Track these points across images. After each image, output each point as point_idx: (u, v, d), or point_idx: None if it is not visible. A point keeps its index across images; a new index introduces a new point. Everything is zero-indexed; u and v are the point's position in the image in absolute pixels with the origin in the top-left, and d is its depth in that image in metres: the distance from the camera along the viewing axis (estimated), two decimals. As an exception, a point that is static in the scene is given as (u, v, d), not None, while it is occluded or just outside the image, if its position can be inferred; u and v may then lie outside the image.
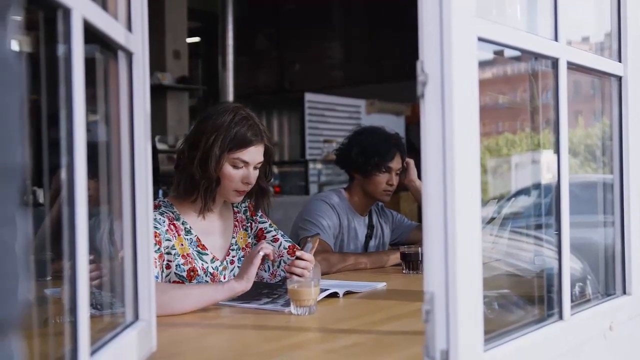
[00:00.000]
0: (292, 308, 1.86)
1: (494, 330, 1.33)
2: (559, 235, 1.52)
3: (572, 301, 1.54)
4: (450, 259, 1.16)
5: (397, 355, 1.46)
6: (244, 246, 2.35)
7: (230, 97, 8.57)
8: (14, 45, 0.54)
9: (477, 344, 1.21)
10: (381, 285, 2.33)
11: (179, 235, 2.17)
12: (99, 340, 1.17)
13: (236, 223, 2.35)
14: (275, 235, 2.37)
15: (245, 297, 2.02)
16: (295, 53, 9.91)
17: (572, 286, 1.60)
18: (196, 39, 10.10)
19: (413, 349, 1.45)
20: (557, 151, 1.52)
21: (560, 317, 1.51)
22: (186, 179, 2.18)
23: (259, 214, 2.40)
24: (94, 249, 1.13)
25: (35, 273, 1.26)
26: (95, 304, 1.32)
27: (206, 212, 2.24)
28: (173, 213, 2.20)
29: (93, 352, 1.08)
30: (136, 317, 1.36)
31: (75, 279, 1.00)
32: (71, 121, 1.00)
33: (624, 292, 1.80)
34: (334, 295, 2.09)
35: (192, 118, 7.75)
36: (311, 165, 7.21)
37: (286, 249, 2.33)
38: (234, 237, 2.33)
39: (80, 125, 1.01)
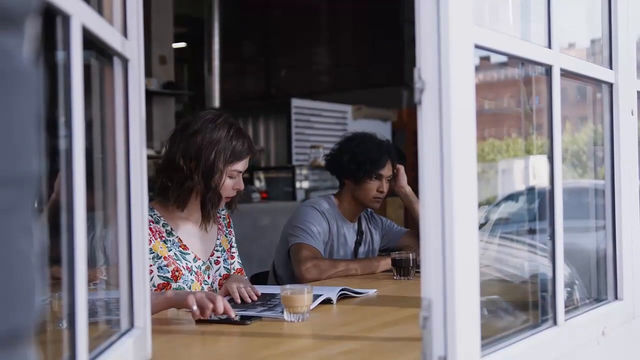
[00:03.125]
0: (285, 315, 1.85)
1: (490, 336, 1.33)
2: (552, 241, 1.53)
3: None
4: (448, 265, 1.16)
5: (394, 361, 1.46)
6: (227, 249, 2.44)
7: (217, 102, 8.56)
8: (31, 54, 0.54)
9: (474, 350, 1.21)
10: (372, 292, 2.33)
11: (156, 239, 2.21)
12: (96, 349, 1.16)
13: (219, 227, 2.44)
14: (234, 253, 2.49)
15: (240, 306, 2.02)
16: (282, 59, 9.92)
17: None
18: (182, 44, 10.09)
19: (409, 355, 1.45)
20: (551, 157, 1.53)
21: (555, 323, 1.51)
22: (185, 191, 2.23)
23: (231, 227, 2.51)
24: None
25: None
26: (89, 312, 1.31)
27: (207, 224, 2.32)
28: (152, 216, 2.24)
29: (90, 361, 1.08)
30: (131, 324, 1.35)
31: (73, 287, 0.99)
32: (70, 128, 0.99)
33: (616, 298, 1.82)
34: (328, 301, 2.09)
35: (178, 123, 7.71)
36: (298, 171, 7.20)
37: (234, 270, 2.43)
38: (218, 239, 2.40)
39: (79, 132, 1.00)
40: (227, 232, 2.47)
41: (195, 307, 1.81)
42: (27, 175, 0.51)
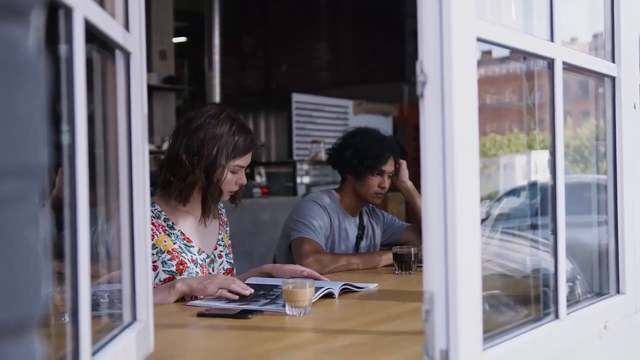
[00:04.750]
0: (287, 309, 1.86)
1: (492, 330, 1.33)
2: (555, 235, 1.53)
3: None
4: (450, 258, 1.16)
5: (396, 355, 1.46)
6: (227, 245, 2.46)
7: (217, 97, 8.55)
8: (37, 45, 0.54)
9: (476, 344, 1.22)
10: (374, 286, 2.33)
11: (160, 233, 2.23)
12: (98, 342, 1.16)
13: (221, 222, 2.46)
14: (229, 252, 2.48)
15: (242, 298, 2.02)
16: (282, 54, 9.91)
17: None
18: (182, 39, 10.08)
19: (411, 349, 1.46)
20: (553, 152, 1.53)
21: (557, 317, 1.52)
22: (187, 186, 2.25)
23: (228, 226, 2.53)
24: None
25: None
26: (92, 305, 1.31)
27: (207, 218, 2.33)
28: (153, 211, 2.25)
29: (93, 354, 1.08)
30: (134, 318, 1.35)
31: (76, 281, 0.99)
32: (73, 122, 0.99)
33: (618, 292, 1.82)
34: (329, 295, 2.09)
35: (179, 118, 7.70)
36: (299, 166, 7.19)
37: (224, 270, 2.42)
38: (220, 234, 2.43)
39: (81, 126, 1.00)
40: (226, 229, 2.50)
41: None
42: (34, 166, 0.51)
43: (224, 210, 2.51)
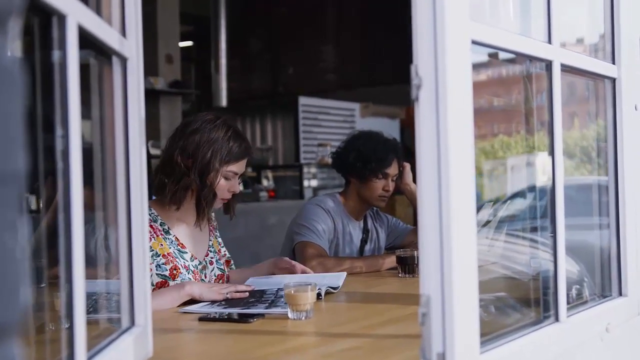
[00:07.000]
0: (289, 313, 1.85)
1: (491, 333, 1.33)
2: (554, 236, 1.52)
3: (568, 303, 1.54)
4: (446, 261, 1.16)
5: (394, 358, 1.46)
6: (217, 251, 2.47)
7: (224, 101, 8.57)
8: (15, 52, 0.54)
9: (473, 347, 1.21)
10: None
11: (157, 236, 2.25)
12: (96, 346, 1.16)
13: (211, 228, 2.48)
14: (219, 258, 2.48)
15: (236, 304, 2.02)
16: (289, 57, 9.91)
17: (569, 289, 1.60)
18: (189, 43, 10.10)
19: (410, 352, 1.45)
20: (552, 153, 1.52)
21: (557, 319, 1.51)
22: (181, 189, 2.26)
23: (217, 230, 2.54)
24: (88, 255, 1.13)
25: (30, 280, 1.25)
26: (90, 309, 1.31)
27: (201, 222, 2.34)
28: (150, 215, 2.26)
29: (89, 358, 1.08)
30: (132, 322, 1.36)
31: (71, 286, 1.00)
32: (66, 128, 0.99)
33: (620, 294, 1.81)
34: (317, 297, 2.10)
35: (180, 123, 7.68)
36: (305, 169, 7.19)
37: (215, 276, 2.43)
38: (210, 240, 2.45)
39: (75, 132, 1.00)
40: (216, 234, 2.52)
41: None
42: (12, 171, 0.51)
43: (213, 214, 2.52)
